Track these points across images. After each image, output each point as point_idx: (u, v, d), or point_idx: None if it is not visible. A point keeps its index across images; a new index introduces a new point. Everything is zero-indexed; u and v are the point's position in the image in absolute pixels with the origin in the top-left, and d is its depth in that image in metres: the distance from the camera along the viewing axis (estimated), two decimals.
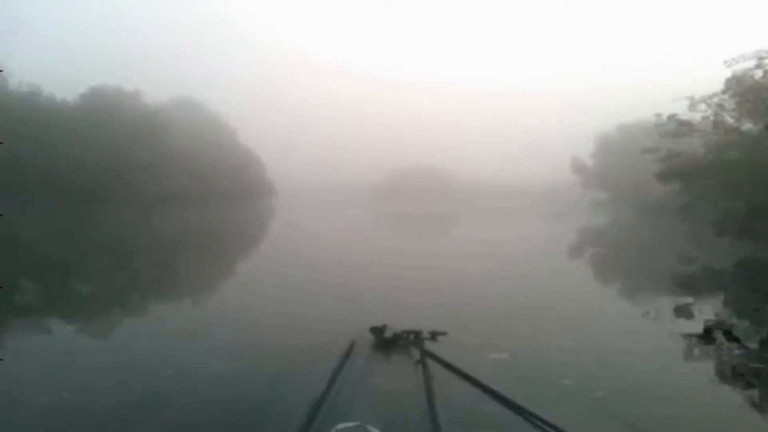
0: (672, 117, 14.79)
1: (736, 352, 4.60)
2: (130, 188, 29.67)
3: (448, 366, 3.97)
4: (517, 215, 33.09)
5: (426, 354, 4.23)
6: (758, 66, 13.15)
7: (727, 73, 13.65)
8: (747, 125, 13.91)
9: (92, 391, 3.69)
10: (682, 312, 6.46)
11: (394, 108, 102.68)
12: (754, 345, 4.78)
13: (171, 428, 3.14)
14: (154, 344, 5.04)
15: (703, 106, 14.38)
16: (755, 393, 3.91)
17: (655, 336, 5.47)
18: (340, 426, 2.85)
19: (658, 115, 15.73)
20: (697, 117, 14.53)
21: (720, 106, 14.20)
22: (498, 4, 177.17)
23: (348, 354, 4.16)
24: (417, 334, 4.68)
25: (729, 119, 14.26)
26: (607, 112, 50.08)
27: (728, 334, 4.88)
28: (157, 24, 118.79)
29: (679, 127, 14.60)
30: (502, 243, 16.68)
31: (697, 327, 5.30)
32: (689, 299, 7.24)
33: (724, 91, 13.90)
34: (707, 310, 6.36)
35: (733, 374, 4.20)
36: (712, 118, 14.32)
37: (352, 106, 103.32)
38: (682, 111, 14.59)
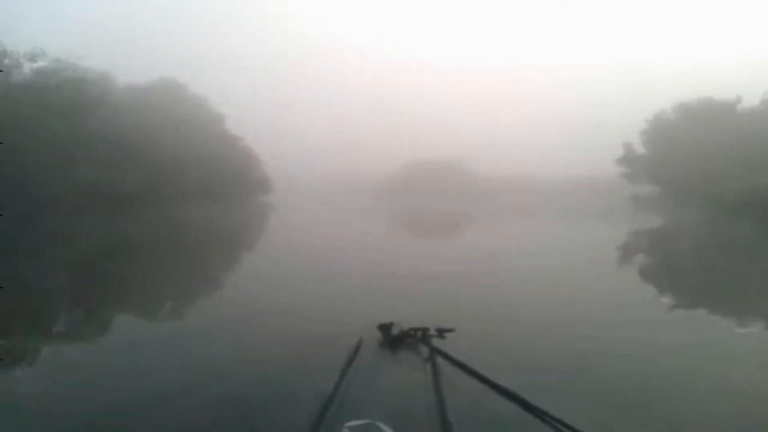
0: None
1: None
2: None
3: (457, 363, 4.24)
4: (548, 214, 33.20)
5: (434, 351, 4.50)
6: None
7: None
8: None
9: (97, 390, 4.11)
10: None
11: (408, 93, 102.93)
12: None
13: (180, 428, 3.46)
14: (157, 347, 5.48)
15: None
16: None
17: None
18: (350, 424, 3.10)
19: None
20: None
21: None
22: None
23: (356, 352, 4.49)
24: (424, 331, 5.02)
25: None
26: (657, 93, 49.60)
27: None
28: None
29: None
30: (527, 244, 16.91)
31: None
32: None
33: None
34: None
35: None
36: None
37: (360, 91, 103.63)
38: None
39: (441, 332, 5.01)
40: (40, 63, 29.76)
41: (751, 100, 38.16)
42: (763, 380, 4.44)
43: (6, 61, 28.77)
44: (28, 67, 29.49)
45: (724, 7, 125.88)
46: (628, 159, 45.00)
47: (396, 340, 4.99)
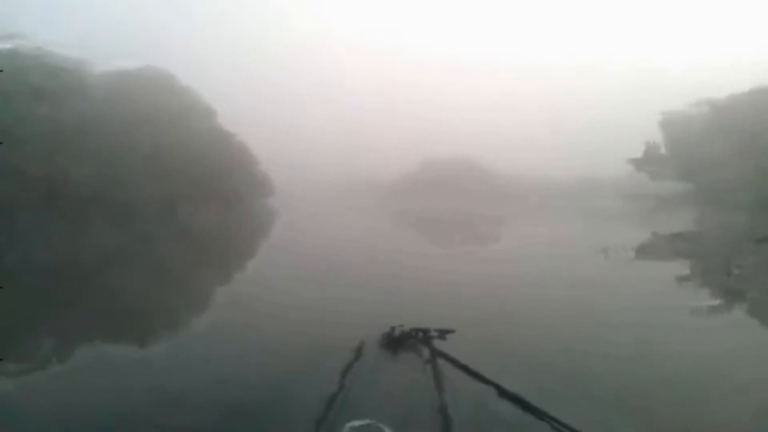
0: None
1: None
2: None
3: (457, 364, 4.51)
4: (559, 214, 33.12)
5: (436, 352, 4.77)
6: None
7: None
8: None
9: (106, 395, 4.42)
10: None
11: (422, 87, 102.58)
12: None
13: (188, 428, 3.77)
14: (165, 352, 5.90)
15: None
16: None
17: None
18: (351, 424, 3.38)
19: None
20: None
21: None
22: None
23: (358, 353, 4.81)
24: (425, 332, 5.31)
25: None
26: (682, 87, 49.16)
27: None
28: None
29: None
30: (535, 245, 17.17)
31: None
32: None
33: None
34: None
35: None
36: None
37: (369, 85, 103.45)
38: None
39: (442, 333, 5.29)
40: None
41: None
42: None
43: None
44: None
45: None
46: (651, 157, 44.75)
47: (397, 341, 5.29)
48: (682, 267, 12.26)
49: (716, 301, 8.44)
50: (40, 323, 7.09)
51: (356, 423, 3.42)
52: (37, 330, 6.76)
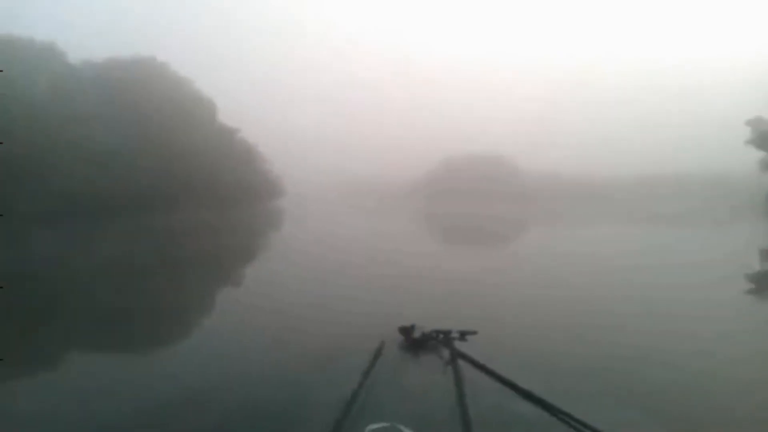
0: None
1: None
2: None
3: (480, 366, 4.51)
4: (579, 216, 32.83)
5: (456, 354, 4.77)
6: None
7: None
8: None
9: (122, 394, 4.55)
10: None
11: (425, 86, 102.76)
12: None
13: (193, 430, 3.82)
14: (175, 353, 6.09)
15: None
16: None
17: None
18: (371, 426, 3.34)
19: None
20: None
21: None
22: None
23: (378, 354, 4.79)
24: (446, 333, 5.29)
25: None
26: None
27: None
28: None
29: None
30: (556, 247, 17.03)
31: None
32: None
33: None
34: None
35: None
36: None
37: (370, 83, 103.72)
38: None
39: (463, 335, 5.27)
40: None
41: None
42: None
43: None
44: None
45: None
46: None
47: (418, 342, 5.29)
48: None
49: None
50: (42, 325, 7.23)
51: (376, 425, 3.39)
52: (38, 332, 6.86)
